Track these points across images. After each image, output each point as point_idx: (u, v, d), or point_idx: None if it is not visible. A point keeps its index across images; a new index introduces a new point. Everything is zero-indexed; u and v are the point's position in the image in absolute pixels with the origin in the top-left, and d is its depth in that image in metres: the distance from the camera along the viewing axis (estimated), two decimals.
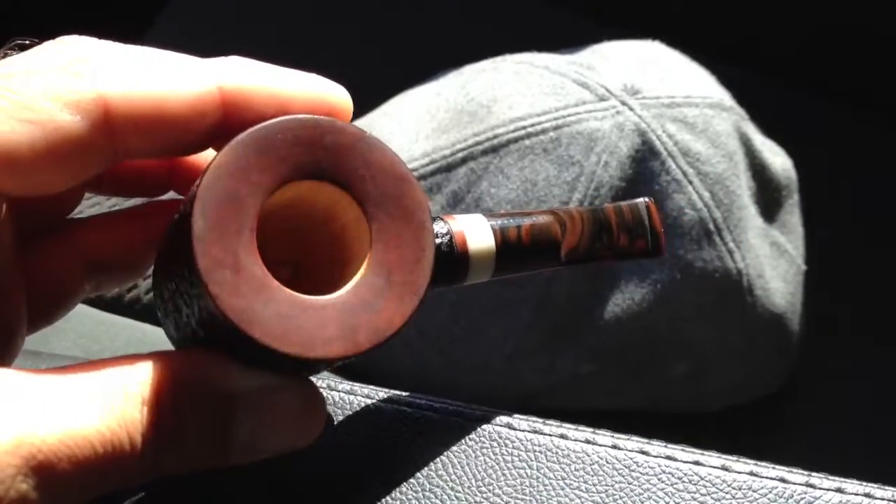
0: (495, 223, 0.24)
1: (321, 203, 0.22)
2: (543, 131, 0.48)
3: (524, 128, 0.48)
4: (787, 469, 0.25)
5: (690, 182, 0.48)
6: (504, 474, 0.25)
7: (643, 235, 0.26)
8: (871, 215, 0.69)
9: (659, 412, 0.54)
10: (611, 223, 0.26)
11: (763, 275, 0.51)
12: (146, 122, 0.21)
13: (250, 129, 0.21)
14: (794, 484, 0.24)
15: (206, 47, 0.27)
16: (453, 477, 0.25)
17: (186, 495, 0.25)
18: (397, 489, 0.25)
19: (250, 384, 0.21)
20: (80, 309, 0.38)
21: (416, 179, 0.22)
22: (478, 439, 0.25)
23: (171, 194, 0.26)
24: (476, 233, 0.24)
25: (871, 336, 0.62)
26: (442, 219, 0.24)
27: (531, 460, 0.25)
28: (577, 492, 0.24)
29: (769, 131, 0.55)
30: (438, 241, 0.23)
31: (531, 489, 0.24)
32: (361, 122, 0.55)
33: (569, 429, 0.26)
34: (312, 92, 0.22)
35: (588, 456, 0.25)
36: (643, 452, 0.25)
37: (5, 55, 0.25)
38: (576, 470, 0.25)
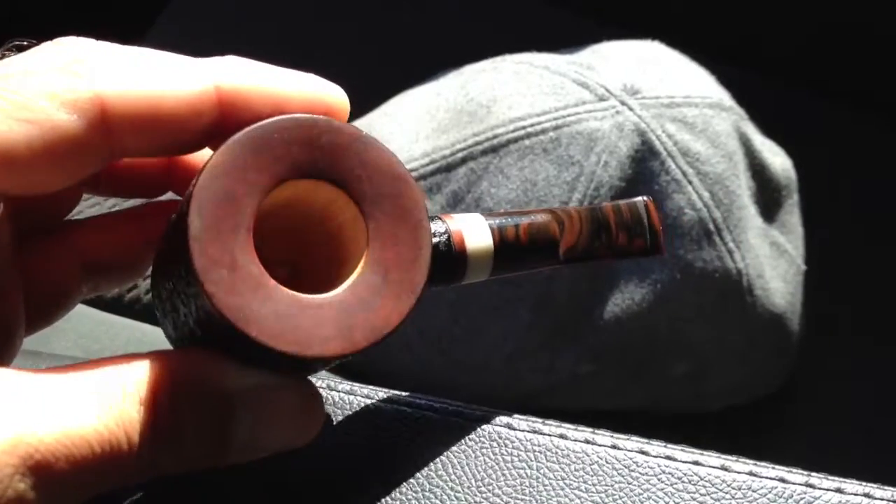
0: (493, 222, 0.24)
1: (318, 202, 0.22)
2: (543, 131, 0.48)
3: (524, 128, 0.48)
4: (786, 469, 0.25)
5: (690, 182, 0.48)
6: (504, 474, 0.25)
7: (642, 234, 0.26)
8: (871, 215, 0.68)
9: (659, 412, 0.54)
10: (609, 222, 0.26)
11: (763, 275, 0.51)
12: (143, 121, 0.21)
13: (247, 129, 0.21)
14: (793, 484, 0.24)
15: (206, 47, 0.27)
16: (453, 477, 0.25)
17: (185, 495, 0.25)
18: (397, 489, 0.25)
19: (248, 383, 0.21)
20: (80, 309, 0.38)
21: (413, 178, 0.22)
22: (477, 439, 0.25)
23: (169, 195, 0.26)
24: (474, 232, 0.24)
25: (871, 336, 0.62)
26: (440, 218, 0.24)
27: (531, 460, 0.25)
28: (576, 492, 0.24)
29: (769, 131, 0.55)
30: (436, 240, 0.23)
31: (531, 489, 0.24)
32: (361, 122, 0.55)
33: (568, 429, 0.26)
34: (309, 91, 0.22)
35: (588, 456, 0.25)
36: (643, 452, 0.25)
37: (3, 56, 0.25)
38: (575, 470, 0.25)
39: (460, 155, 0.48)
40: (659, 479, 0.24)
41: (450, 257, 0.24)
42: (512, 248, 0.25)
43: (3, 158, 0.20)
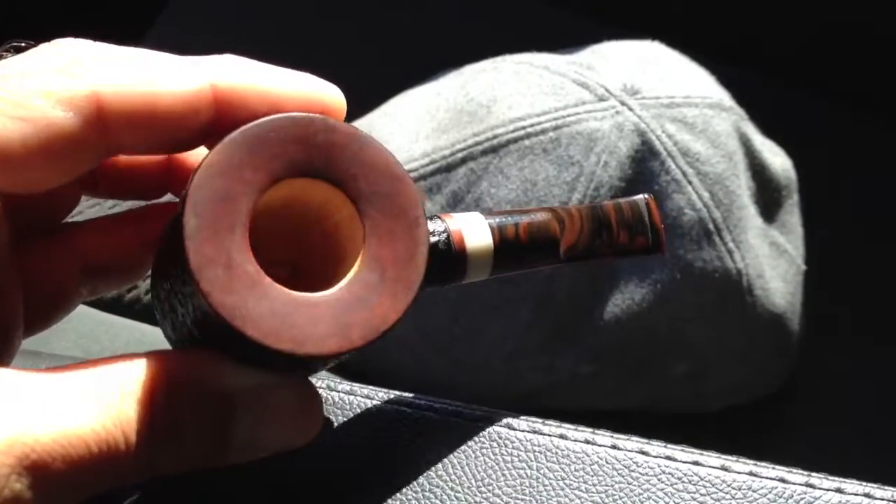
0: (493, 221, 0.24)
1: (314, 201, 0.22)
2: (543, 131, 0.48)
3: (524, 128, 0.48)
4: (786, 469, 0.25)
5: (690, 182, 0.48)
6: (504, 475, 0.25)
7: (643, 232, 0.26)
8: (871, 215, 0.68)
9: (659, 412, 0.54)
10: (610, 220, 0.26)
11: (763, 275, 0.51)
12: (139, 118, 0.21)
13: (243, 127, 0.21)
14: (793, 484, 0.24)
15: (206, 47, 0.27)
16: (453, 477, 0.25)
17: (184, 496, 0.25)
18: (397, 490, 0.24)
19: (248, 383, 0.21)
20: (80, 309, 0.38)
21: (410, 177, 0.22)
22: (478, 439, 0.25)
23: (168, 197, 0.26)
24: (474, 231, 0.24)
25: (871, 336, 0.62)
26: (439, 217, 0.24)
27: (531, 461, 0.25)
28: (576, 492, 0.24)
29: (769, 131, 0.55)
30: (436, 239, 0.23)
31: (531, 489, 0.24)
32: (361, 122, 0.55)
33: (568, 429, 0.25)
34: (306, 90, 0.22)
35: (588, 456, 0.25)
36: (643, 453, 0.25)
37: (1, 57, 0.25)
38: (575, 470, 0.25)
39: (460, 155, 0.48)
40: (659, 480, 0.24)
41: (450, 256, 0.24)
42: (512, 247, 0.24)
43: None
